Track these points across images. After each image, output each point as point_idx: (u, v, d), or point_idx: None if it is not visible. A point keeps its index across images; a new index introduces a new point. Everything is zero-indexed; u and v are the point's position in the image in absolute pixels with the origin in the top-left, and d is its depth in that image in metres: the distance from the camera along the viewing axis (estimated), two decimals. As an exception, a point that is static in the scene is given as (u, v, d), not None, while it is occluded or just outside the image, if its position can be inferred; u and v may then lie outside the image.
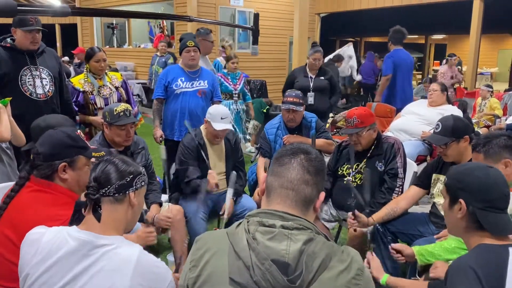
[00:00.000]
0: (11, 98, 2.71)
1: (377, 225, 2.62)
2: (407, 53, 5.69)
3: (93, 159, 1.80)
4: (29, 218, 1.52)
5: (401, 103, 5.24)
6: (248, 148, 6.40)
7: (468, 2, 9.47)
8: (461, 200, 1.39)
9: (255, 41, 3.06)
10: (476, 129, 5.05)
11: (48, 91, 3.18)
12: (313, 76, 4.80)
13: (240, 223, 1.17)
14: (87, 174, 1.71)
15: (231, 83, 5.58)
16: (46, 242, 1.28)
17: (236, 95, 5.59)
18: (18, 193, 1.67)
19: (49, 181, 1.68)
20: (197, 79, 3.77)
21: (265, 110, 6.63)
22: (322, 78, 4.81)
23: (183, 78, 3.73)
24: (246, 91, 5.91)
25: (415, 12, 13.34)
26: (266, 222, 1.12)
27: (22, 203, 1.63)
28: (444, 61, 9.01)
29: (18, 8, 0.78)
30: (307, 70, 4.83)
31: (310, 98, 4.74)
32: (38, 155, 1.70)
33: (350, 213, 2.54)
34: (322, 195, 1.24)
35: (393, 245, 2.25)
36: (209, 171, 2.99)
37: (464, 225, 1.40)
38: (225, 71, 5.65)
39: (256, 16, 2.79)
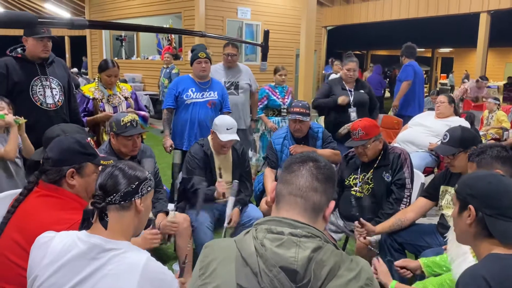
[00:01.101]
0: (26, 120, 2.82)
1: (384, 235, 2.60)
2: (419, 67, 6.01)
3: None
4: (37, 222, 1.53)
5: (419, 109, 5.57)
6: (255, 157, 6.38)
7: (475, 15, 9.51)
8: (471, 206, 1.37)
9: (265, 58, 3.09)
10: (483, 141, 5.02)
11: (58, 100, 3.21)
12: (352, 90, 4.32)
13: (248, 231, 1.16)
14: (95, 182, 1.73)
15: (279, 97, 4.95)
16: (56, 245, 1.29)
17: (285, 111, 4.89)
18: (27, 197, 1.69)
19: (57, 186, 1.70)
20: (207, 90, 3.80)
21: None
22: (362, 91, 4.35)
23: (193, 89, 3.76)
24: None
25: (422, 25, 13.40)
26: (275, 230, 1.12)
27: (30, 207, 1.65)
28: (471, 81, 9.01)
29: (39, 20, 0.81)
30: (344, 82, 4.34)
31: (353, 114, 4.22)
32: (47, 160, 1.72)
33: (356, 222, 2.54)
34: (332, 203, 1.23)
35: (396, 263, 2.21)
36: (219, 179, 2.99)
37: (473, 233, 1.38)
38: (273, 84, 5.08)
39: (266, 33, 2.82)
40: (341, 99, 4.20)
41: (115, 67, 3.57)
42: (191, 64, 3.83)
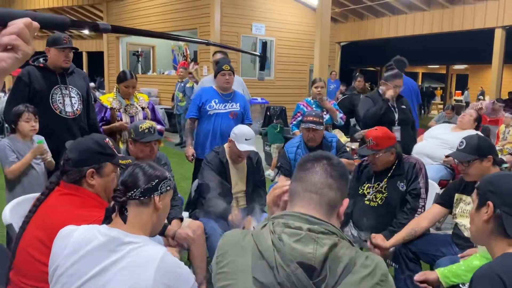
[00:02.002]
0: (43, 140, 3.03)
1: (399, 245, 2.58)
2: (410, 79, 6.09)
3: None
4: (59, 218, 1.57)
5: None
6: (267, 171, 6.43)
7: (489, 31, 9.48)
8: (490, 202, 1.38)
9: (262, 68, 3.17)
10: (499, 156, 4.98)
11: (77, 109, 3.30)
12: (395, 106, 3.89)
13: (265, 224, 1.18)
14: (114, 182, 1.78)
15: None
16: (77, 237, 1.33)
17: None
18: (48, 196, 1.74)
19: (77, 186, 1.75)
20: (230, 101, 3.87)
21: (277, 130, 6.65)
22: (404, 107, 3.93)
23: (216, 100, 3.84)
24: (342, 121, 4.69)
25: (436, 41, 13.40)
26: (292, 224, 1.13)
27: (52, 205, 1.70)
28: (489, 101, 8.97)
29: (71, 21, 0.86)
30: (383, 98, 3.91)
31: (397, 134, 3.66)
32: (67, 160, 1.78)
33: (368, 242, 2.53)
34: (346, 201, 1.24)
35: (416, 277, 2.18)
36: (237, 214, 2.99)
37: (489, 230, 1.38)
38: (309, 98, 4.71)
39: (264, 44, 2.93)
40: (388, 93, 3.79)
41: (133, 78, 3.66)
42: (215, 76, 3.92)
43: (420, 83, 26.03)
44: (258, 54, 3.13)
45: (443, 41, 13.81)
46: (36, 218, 1.69)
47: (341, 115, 4.55)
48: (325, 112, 4.46)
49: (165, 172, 1.49)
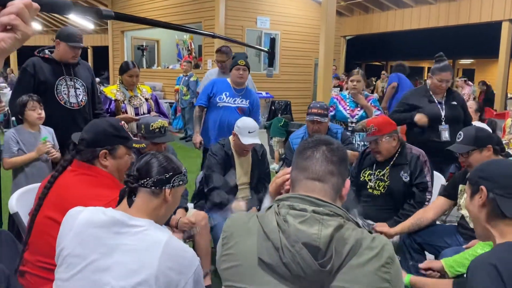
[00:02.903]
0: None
1: (404, 236, 2.58)
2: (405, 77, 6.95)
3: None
4: (75, 196, 1.60)
5: None
6: (272, 165, 6.43)
7: (496, 24, 9.39)
8: (482, 187, 1.39)
9: (271, 64, 3.12)
10: (506, 149, 4.96)
11: (81, 100, 3.31)
12: (442, 102, 3.49)
13: (270, 206, 1.18)
14: (127, 164, 1.81)
15: (347, 108, 4.10)
16: (83, 218, 1.34)
17: (352, 125, 4.05)
18: (62, 174, 1.77)
19: (90, 165, 1.78)
20: (240, 97, 3.87)
21: (281, 124, 6.67)
22: (455, 103, 3.50)
23: (227, 93, 3.84)
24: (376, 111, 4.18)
25: (442, 35, 13.29)
26: (297, 206, 1.14)
27: (67, 184, 1.73)
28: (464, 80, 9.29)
29: (73, 3, 0.86)
30: (431, 93, 3.54)
31: (445, 134, 3.40)
32: (82, 140, 1.81)
33: (373, 227, 2.54)
34: (348, 182, 1.25)
35: (421, 265, 2.19)
36: (241, 203, 2.99)
37: (485, 214, 1.39)
38: (345, 93, 4.31)
39: (273, 40, 2.90)
40: (418, 118, 3.44)
41: (136, 67, 3.68)
42: (230, 70, 3.92)
43: (425, 78, 25.88)
44: (266, 50, 3.11)
45: (449, 35, 13.69)
46: (50, 197, 1.72)
47: (379, 112, 4.12)
48: (359, 108, 4.06)
49: (181, 167, 1.50)
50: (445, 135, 3.39)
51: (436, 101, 3.47)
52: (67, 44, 3.16)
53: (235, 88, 3.86)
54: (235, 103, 3.84)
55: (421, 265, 2.18)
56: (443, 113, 3.42)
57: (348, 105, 4.09)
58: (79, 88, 3.30)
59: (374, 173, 2.92)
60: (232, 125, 3.75)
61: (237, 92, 3.86)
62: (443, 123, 3.41)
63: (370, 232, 1.11)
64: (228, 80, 3.93)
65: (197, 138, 3.90)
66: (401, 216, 2.72)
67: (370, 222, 2.79)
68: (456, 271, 2.07)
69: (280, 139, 6.42)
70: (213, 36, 2.27)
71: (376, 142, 2.83)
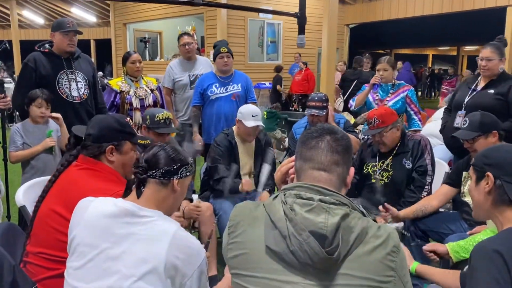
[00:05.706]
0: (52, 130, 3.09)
1: (408, 223, 2.59)
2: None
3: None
4: (78, 191, 1.62)
5: None
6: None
7: (501, 10, 9.28)
8: (489, 173, 1.38)
9: (302, 31, 2.78)
10: None
11: (83, 93, 3.33)
12: (478, 88, 3.16)
13: (276, 195, 1.19)
14: (132, 159, 1.83)
15: (376, 96, 3.78)
16: (93, 208, 1.38)
17: None
18: (67, 168, 1.80)
19: (96, 160, 1.81)
20: (230, 83, 3.86)
21: (266, 117, 6.67)
22: (491, 91, 3.06)
23: (217, 84, 3.83)
24: (413, 115, 3.74)
25: (447, 22, 13.18)
26: (304, 195, 1.14)
27: (72, 178, 1.75)
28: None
29: None
30: (479, 78, 3.21)
31: (458, 119, 3.14)
32: (88, 136, 1.84)
33: (381, 207, 2.54)
34: (352, 170, 1.26)
35: (425, 247, 2.20)
36: (247, 179, 3.04)
37: (491, 202, 1.38)
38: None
39: (302, 2, 2.59)
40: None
41: (137, 53, 3.73)
42: (214, 59, 3.90)
43: (430, 66, 25.69)
44: (295, 14, 2.89)
45: (453, 21, 13.57)
46: (54, 190, 1.75)
47: (417, 118, 3.78)
48: (389, 98, 3.71)
49: (188, 158, 1.52)
50: (458, 120, 3.16)
51: (471, 88, 3.20)
52: (60, 33, 3.18)
53: (221, 77, 3.85)
54: (227, 91, 3.84)
55: (425, 247, 2.19)
56: (466, 99, 3.17)
57: (379, 92, 3.77)
58: (80, 81, 3.32)
59: (377, 165, 2.92)
60: (229, 114, 3.77)
61: (225, 79, 3.85)
62: (463, 108, 3.17)
63: (375, 221, 1.12)
64: (214, 71, 3.94)
65: (196, 137, 3.91)
66: (402, 204, 2.73)
67: (374, 211, 2.80)
68: (461, 256, 2.08)
69: (275, 135, 6.34)
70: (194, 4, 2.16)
71: (381, 134, 2.81)
